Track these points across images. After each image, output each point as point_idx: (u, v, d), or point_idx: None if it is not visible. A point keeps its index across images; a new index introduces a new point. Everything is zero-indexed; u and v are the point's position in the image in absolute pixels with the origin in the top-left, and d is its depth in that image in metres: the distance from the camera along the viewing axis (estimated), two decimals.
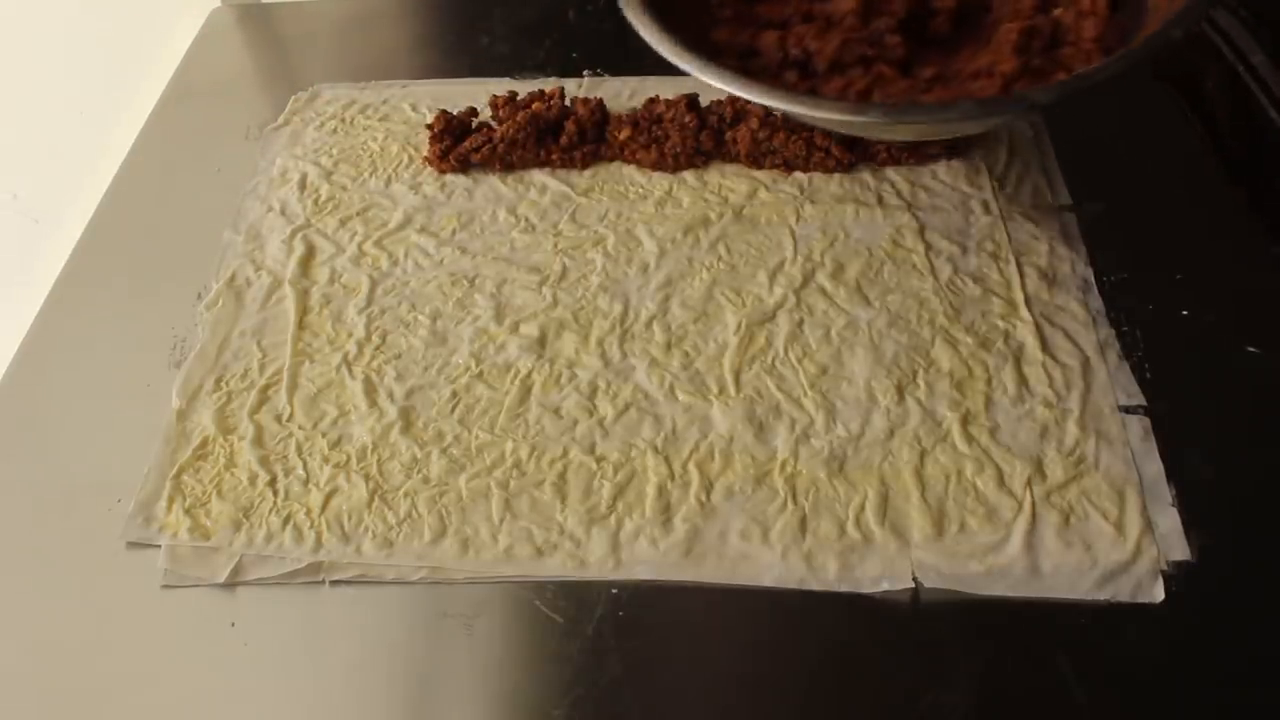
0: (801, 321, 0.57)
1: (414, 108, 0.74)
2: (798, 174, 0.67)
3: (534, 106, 0.70)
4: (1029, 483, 0.49)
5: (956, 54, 0.56)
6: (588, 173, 0.68)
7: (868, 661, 0.44)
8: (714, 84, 0.52)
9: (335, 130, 0.73)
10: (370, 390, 0.55)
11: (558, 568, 0.48)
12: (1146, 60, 0.48)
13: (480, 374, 0.56)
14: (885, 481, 0.50)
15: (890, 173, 0.66)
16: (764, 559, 0.47)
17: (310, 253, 0.63)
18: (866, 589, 0.46)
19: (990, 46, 0.55)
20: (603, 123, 0.69)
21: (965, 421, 0.52)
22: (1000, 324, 0.57)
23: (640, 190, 0.67)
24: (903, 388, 0.54)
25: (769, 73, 0.55)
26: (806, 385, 0.54)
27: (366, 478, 0.51)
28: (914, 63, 0.55)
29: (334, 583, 0.48)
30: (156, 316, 0.60)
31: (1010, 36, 0.53)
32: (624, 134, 0.68)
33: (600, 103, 0.70)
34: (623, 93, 0.74)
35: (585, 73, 0.77)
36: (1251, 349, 0.55)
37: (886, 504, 0.49)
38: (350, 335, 0.58)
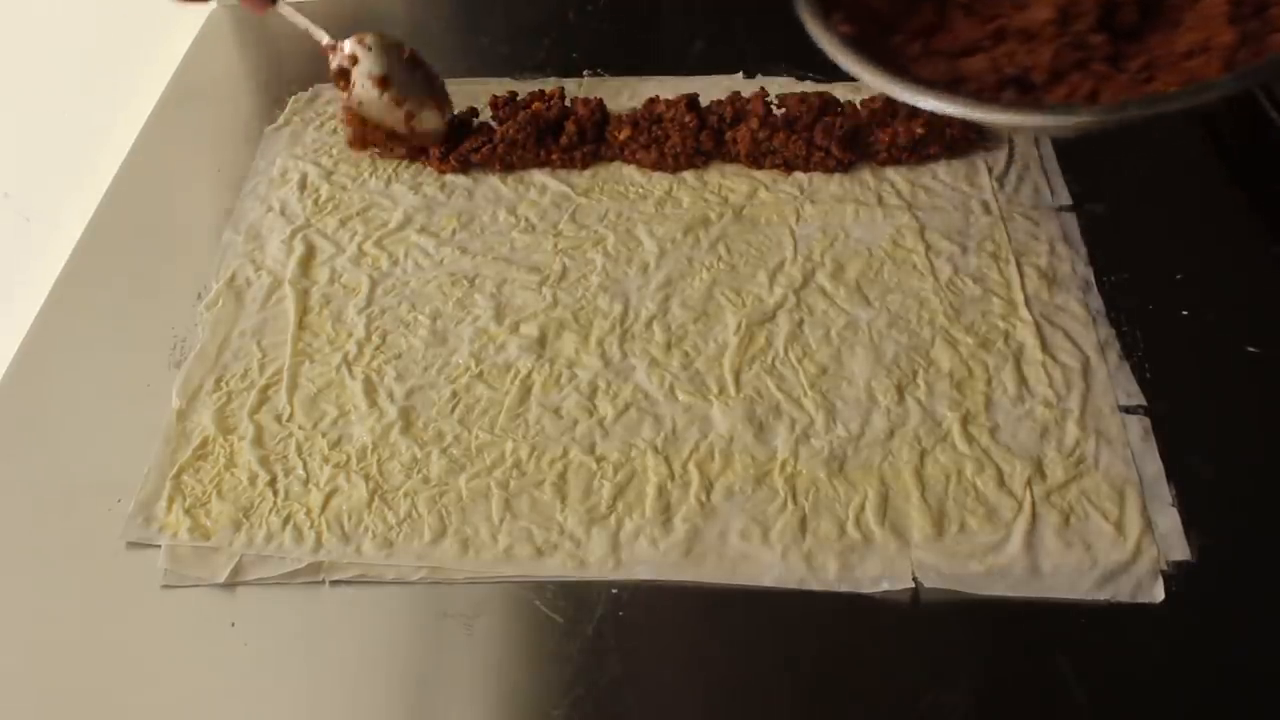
0: (801, 321, 0.57)
1: None
2: (798, 174, 0.67)
3: (534, 106, 0.70)
4: (1029, 483, 0.49)
5: (1147, 41, 0.55)
6: (588, 173, 0.68)
7: (868, 661, 0.44)
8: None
9: (335, 130, 0.73)
10: (370, 390, 0.55)
11: (558, 568, 0.48)
12: None
13: (480, 374, 0.56)
14: (885, 481, 0.50)
15: (890, 173, 0.66)
16: (764, 559, 0.47)
17: (310, 253, 0.63)
18: (866, 589, 0.46)
19: (1191, 25, 0.53)
20: (603, 123, 0.69)
21: (965, 421, 0.52)
22: (1000, 324, 0.57)
23: (640, 190, 0.67)
24: (903, 388, 0.54)
25: (985, 96, 0.54)
26: (806, 385, 0.54)
27: (366, 478, 0.51)
28: (1118, 58, 0.54)
29: (334, 583, 0.48)
30: (156, 316, 0.60)
31: (1220, 8, 0.52)
32: (624, 134, 0.68)
33: (600, 103, 0.70)
34: (623, 93, 0.74)
35: (585, 73, 0.77)
36: (1251, 349, 0.55)
37: (886, 504, 0.49)
38: (350, 335, 0.58)
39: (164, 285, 0.62)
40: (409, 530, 0.49)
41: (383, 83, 0.66)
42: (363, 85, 0.66)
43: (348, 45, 0.66)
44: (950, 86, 0.54)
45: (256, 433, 0.53)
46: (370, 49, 0.66)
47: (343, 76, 0.67)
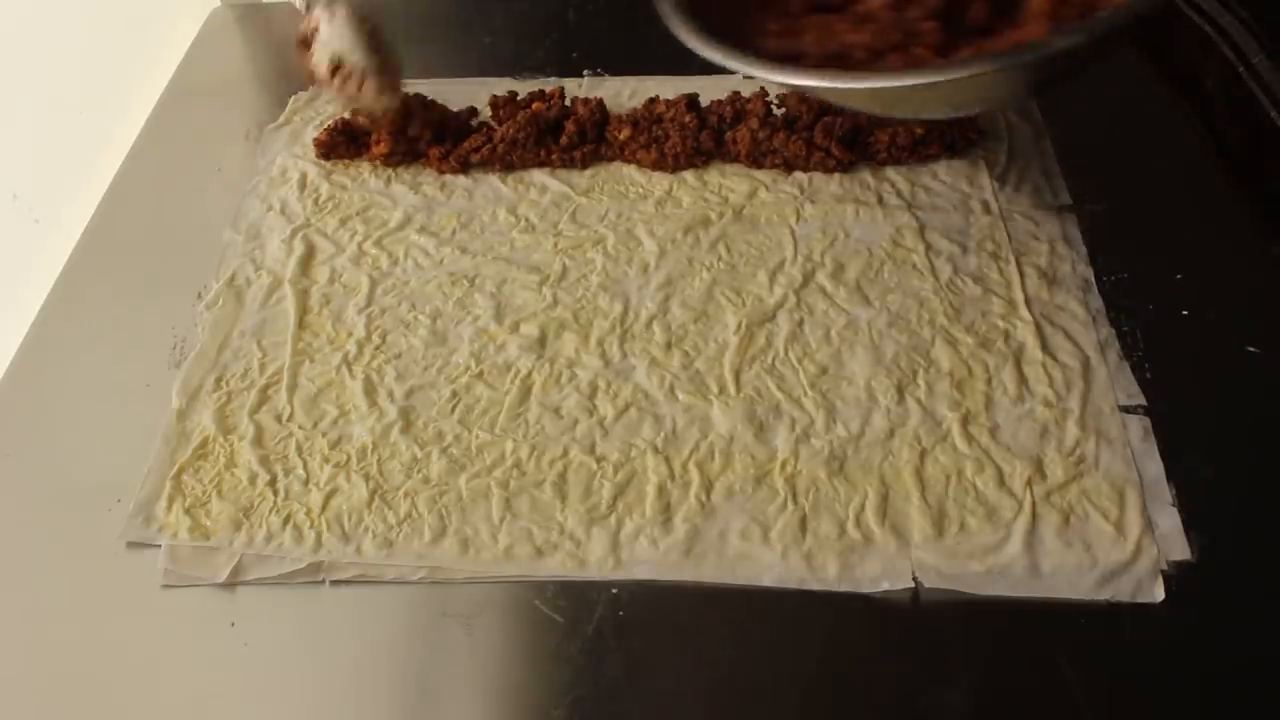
0: (802, 321, 0.57)
1: None
2: (798, 174, 0.67)
3: (534, 106, 0.70)
4: (1029, 483, 0.49)
5: (992, 37, 0.55)
6: (588, 173, 0.68)
7: (868, 661, 0.44)
8: (765, 76, 0.53)
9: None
10: (370, 390, 0.55)
11: (558, 567, 0.48)
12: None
13: (480, 374, 0.56)
14: (885, 481, 0.50)
15: (890, 173, 0.66)
16: (764, 559, 0.47)
17: (310, 252, 0.63)
18: (866, 589, 0.46)
19: (1022, 22, 0.54)
20: (603, 123, 0.69)
21: (965, 421, 0.52)
22: (1000, 324, 0.57)
23: (640, 190, 0.67)
24: (903, 388, 0.54)
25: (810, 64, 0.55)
26: (806, 385, 0.54)
27: (366, 478, 0.51)
28: (951, 48, 0.54)
29: (334, 583, 0.48)
30: (156, 316, 0.60)
31: (1042, 6, 0.53)
32: (624, 134, 0.68)
33: (600, 103, 0.70)
34: (623, 93, 0.74)
35: (585, 73, 0.77)
36: (1251, 349, 0.55)
37: (886, 504, 0.49)
38: (350, 335, 0.58)
39: (164, 285, 0.62)
40: (409, 530, 0.49)
41: (336, 61, 0.64)
42: (319, 56, 0.64)
43: (316, 11, 0.64)
44: (789, 60, 0.54)
45: (256, 432, 0.53)
46: (333, 20, 0.63)
47: (304, 44, 0.65)
